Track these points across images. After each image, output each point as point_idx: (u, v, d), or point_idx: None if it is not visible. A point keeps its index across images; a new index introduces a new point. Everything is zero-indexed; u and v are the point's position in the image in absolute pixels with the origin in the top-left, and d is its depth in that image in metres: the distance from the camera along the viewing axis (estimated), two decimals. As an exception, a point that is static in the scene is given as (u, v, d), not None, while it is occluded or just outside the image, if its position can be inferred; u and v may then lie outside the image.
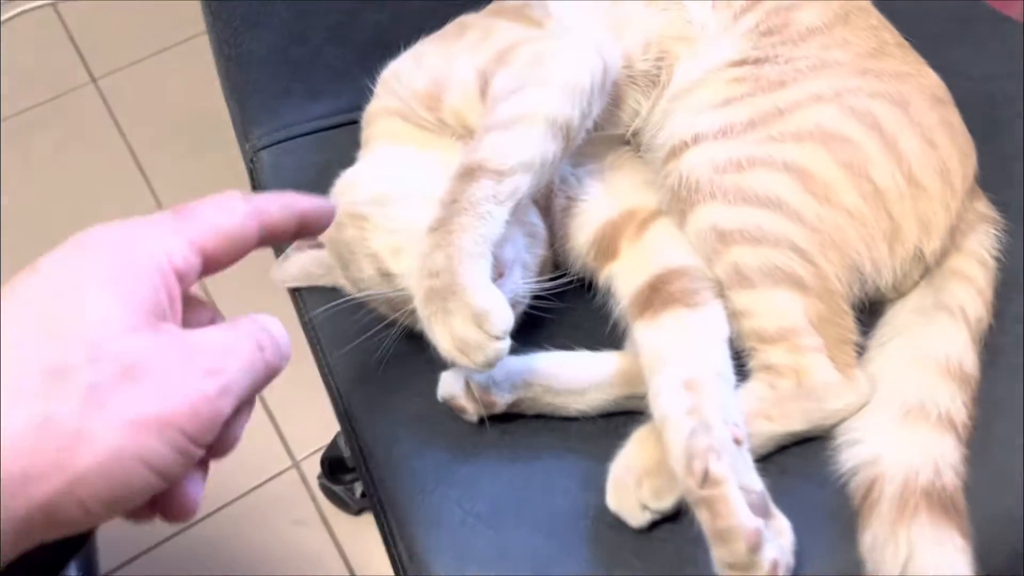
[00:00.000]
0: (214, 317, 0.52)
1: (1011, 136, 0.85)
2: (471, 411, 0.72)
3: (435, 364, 0.69)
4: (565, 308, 0.75)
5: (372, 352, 0.76)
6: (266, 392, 0.50)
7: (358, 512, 1.39)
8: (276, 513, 1.41)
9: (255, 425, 0.51)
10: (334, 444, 1.37)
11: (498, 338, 0.63)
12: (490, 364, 0.64)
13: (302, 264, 0.81)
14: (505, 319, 0.63)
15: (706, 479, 0.60)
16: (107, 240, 0.46)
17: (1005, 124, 0.86)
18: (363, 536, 1.39)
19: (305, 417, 1.39)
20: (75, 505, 0.41)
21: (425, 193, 0.71)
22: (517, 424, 0.73)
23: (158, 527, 0.51)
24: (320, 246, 0.79)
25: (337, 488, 1.38)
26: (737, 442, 0.64)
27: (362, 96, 0.85)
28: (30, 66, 1.99)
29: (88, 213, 1.77)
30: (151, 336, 0.44)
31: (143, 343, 0.43)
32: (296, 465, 1.47)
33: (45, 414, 0.40)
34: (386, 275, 0.72)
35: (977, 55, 0.91)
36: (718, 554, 0.60)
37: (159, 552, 1.38)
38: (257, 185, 0.91)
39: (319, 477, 1.41)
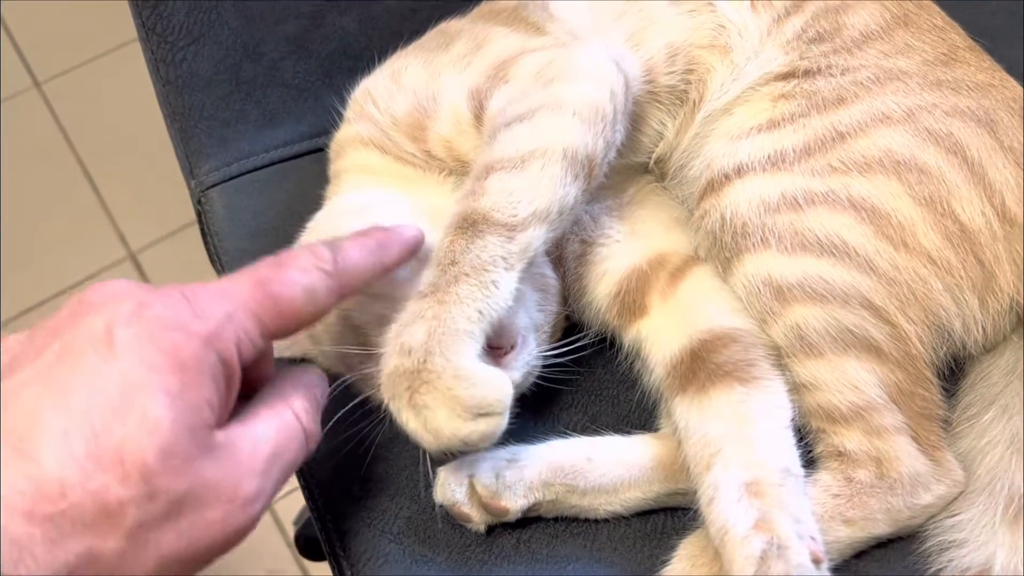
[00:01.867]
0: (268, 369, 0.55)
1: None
2: (477, 520, 0.62)
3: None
4: (583, 371, 0.67)
5: (355, 443, 0.64)
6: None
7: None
8: (249, 562, 1.32)
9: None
10: (308, 522, 1.25)
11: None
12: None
13: None
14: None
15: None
16: (179, 317, 0.47)
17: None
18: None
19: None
20: None
21: None
22: (534, 529, 0.63)
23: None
24: None
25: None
26: (817, 562, 0.55)
27: (328, 118, 0.76)
28: (-34, 72, 1.91)
29: (34, 230, 1.70)
30: (203, 463, 0.46)
31: (194, 477, 0.45)
32: (269, 507, 1.36)
33: (91, 551, 0.43)
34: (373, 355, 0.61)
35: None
36: None
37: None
38: (208, 233, 0.77)
39: (295, 523, 1.31)
